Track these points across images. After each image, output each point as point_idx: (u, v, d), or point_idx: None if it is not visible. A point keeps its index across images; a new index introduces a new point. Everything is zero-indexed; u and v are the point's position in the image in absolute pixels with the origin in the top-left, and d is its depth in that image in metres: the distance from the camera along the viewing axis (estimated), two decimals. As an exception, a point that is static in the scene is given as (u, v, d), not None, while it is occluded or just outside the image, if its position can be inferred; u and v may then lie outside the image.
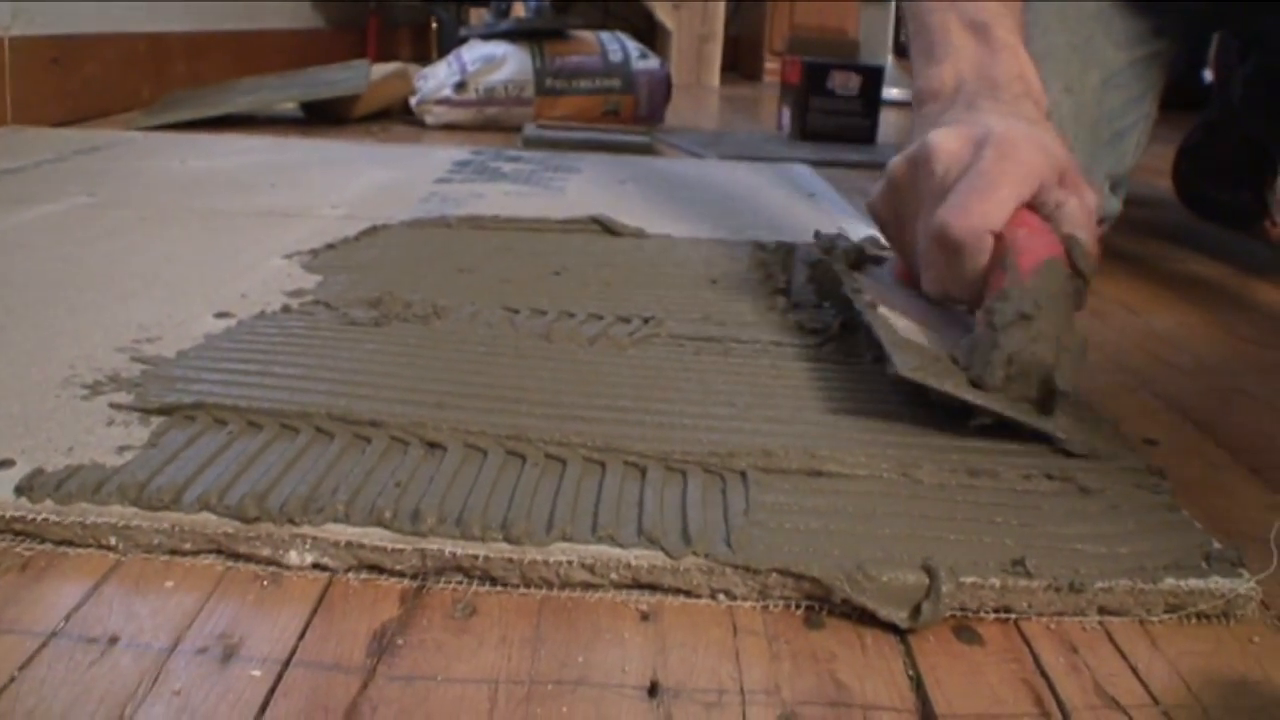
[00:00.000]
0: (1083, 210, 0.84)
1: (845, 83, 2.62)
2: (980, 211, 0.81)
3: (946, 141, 0.86)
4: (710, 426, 0.77)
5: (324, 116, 2.61)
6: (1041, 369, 0.76)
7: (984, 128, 0.86)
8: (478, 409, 0.77)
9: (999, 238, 0.81)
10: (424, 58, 4.27)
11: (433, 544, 0.60)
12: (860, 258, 1.06)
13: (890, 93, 2.96)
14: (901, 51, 4.14)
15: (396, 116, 2.74)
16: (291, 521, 0.61)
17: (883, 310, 0.89)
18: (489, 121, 2.65)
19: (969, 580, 0.60)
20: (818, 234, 1.17)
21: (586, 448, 0.72)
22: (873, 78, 2.65)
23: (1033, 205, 0.84)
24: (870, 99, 2.64)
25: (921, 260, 0.88)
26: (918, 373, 0.78)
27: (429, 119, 2.64)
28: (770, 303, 1.08)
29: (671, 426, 0.77)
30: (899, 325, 0.87)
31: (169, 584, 0.59)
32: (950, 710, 0.53)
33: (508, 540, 0.61)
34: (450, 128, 2.63)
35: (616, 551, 0.60)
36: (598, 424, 0.76)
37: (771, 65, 5.30)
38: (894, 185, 0.92)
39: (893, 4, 4.01)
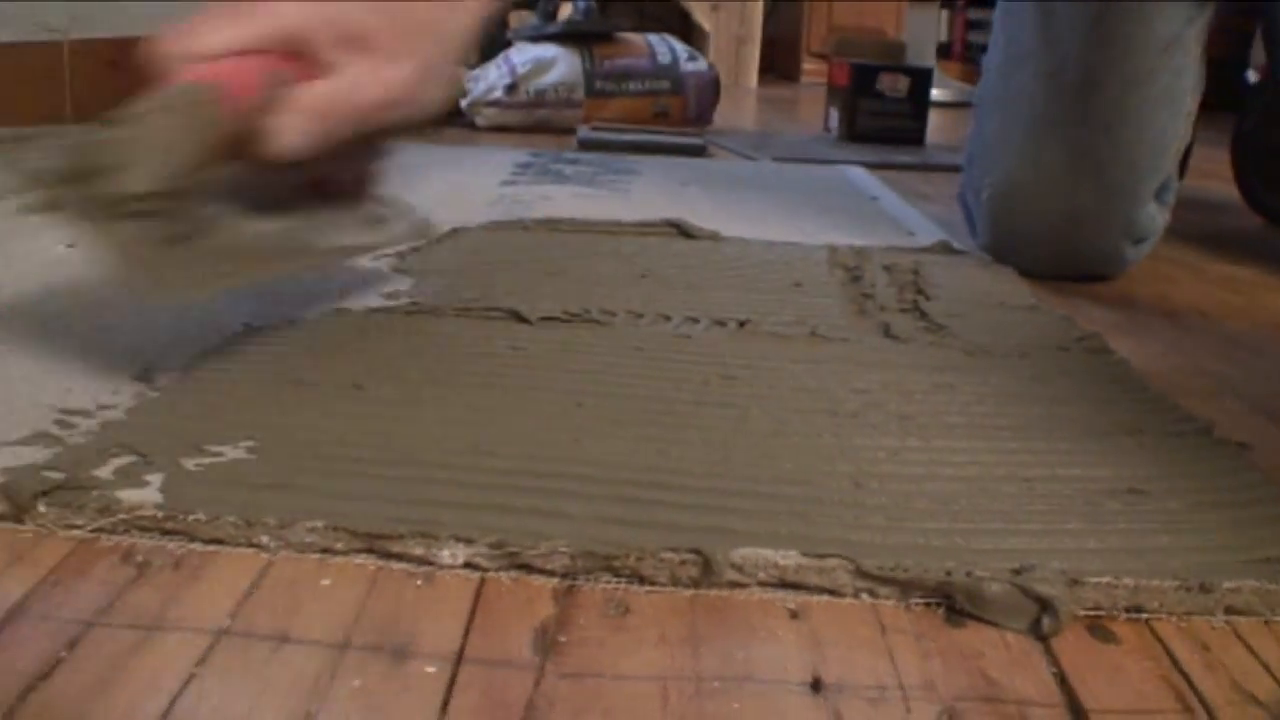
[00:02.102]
0: (365, 73, 0.80)
1: (894, 85, 2.62)
2: (181, 39, 0.79)
3: None
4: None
5: (374, 118, 2.60)
6: (105, 168, 0.70)
7: None
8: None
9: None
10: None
11: (585, 544, 0.61)
12: None
13: (937, 94, 2.95)
14: (942, 53, 4.14)
15: (445, 118, 2.74)
16: (444, 522, 0.62)
17: None
18: (539, 123, 2.66)
19: (1103, 580, 0.60)
20: None
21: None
22: (921, 79, 2.64)
23: (301, 56, 0.79)
24: (919, 101, 2.64)
25: None
26: None
27: (480, 120, 2.64)
28: (859, 305, 1.09)
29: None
30: None
31: (325, 582, 0.60)
32: (1098, 706, 0.53)
33: (657, 540, 0.61)
34: (501, 129, 2.64)
35: (765, 552, 0.61)
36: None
37: (809, 66, 5.30)
38: None
39: (939, 6, 4.02)
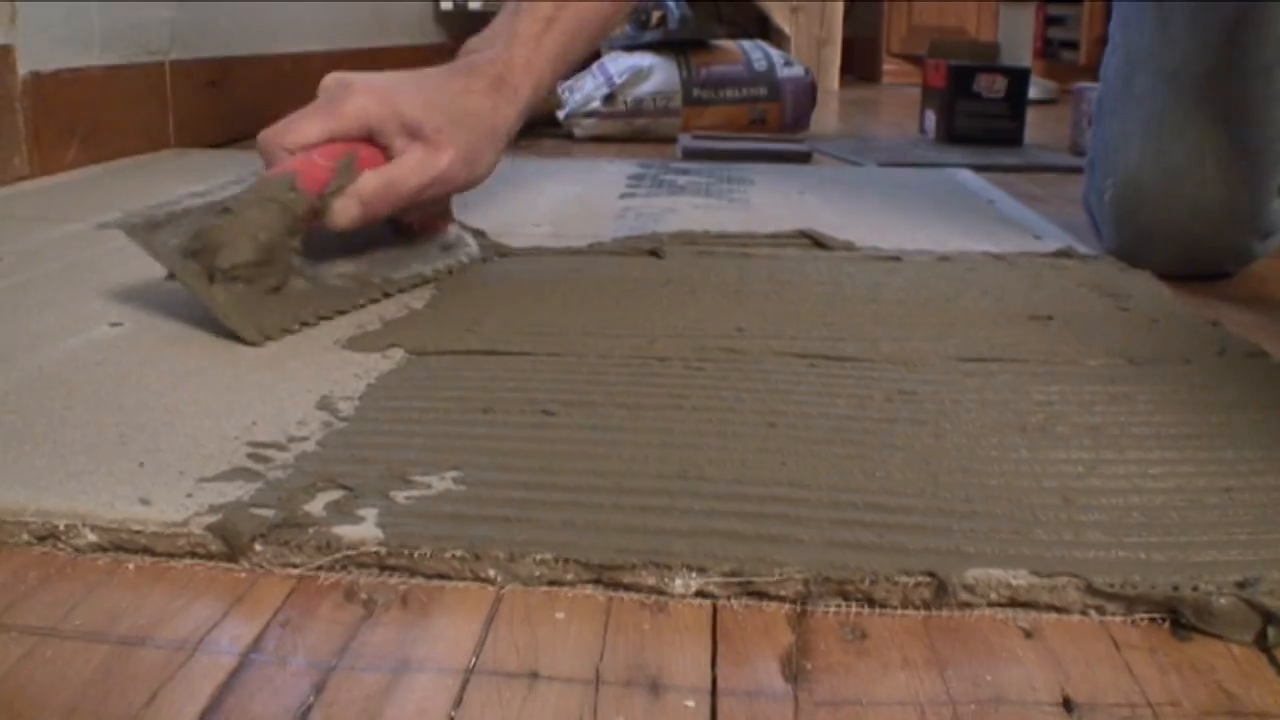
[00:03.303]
0: (414, 161, 1.07)
1: (991, 85, 2.60)
2: (284, 132, 1.05)
3: (328, 79, 1.10)
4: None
5: (472, 132, 2.61)
6: (213, 246, 0.95)
7: (356, 76, 1.09)
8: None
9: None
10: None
11: (819, 569, 0.61)
12: None
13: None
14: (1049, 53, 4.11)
15: (541, 130, 2.75)
16: (675, 551, 0.62)
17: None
18: (637, 133, 2.66)
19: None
20: None
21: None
22: (1019, 80, 2.62)
23: (375, 142, 1.07)
24: (1016, 101, 2.61)
25: None
26: (133, 233, 1.00)
27: (578, 131, 2.65)
28: (1017, 317, 1.08)
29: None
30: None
31: (560, 615, 0.60)
32: (1332, 717, 0.53)
33: (886, 563, 0.61)
34: (598, 140, 2.64)
35: (996, 572, 0.61)
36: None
37: (890, 67, 5.29)
38: None
39: (1034, 5, 3.99)
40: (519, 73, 1.17)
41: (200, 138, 2.35)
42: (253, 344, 0.95)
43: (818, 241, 1.38)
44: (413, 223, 1.20)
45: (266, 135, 1.05)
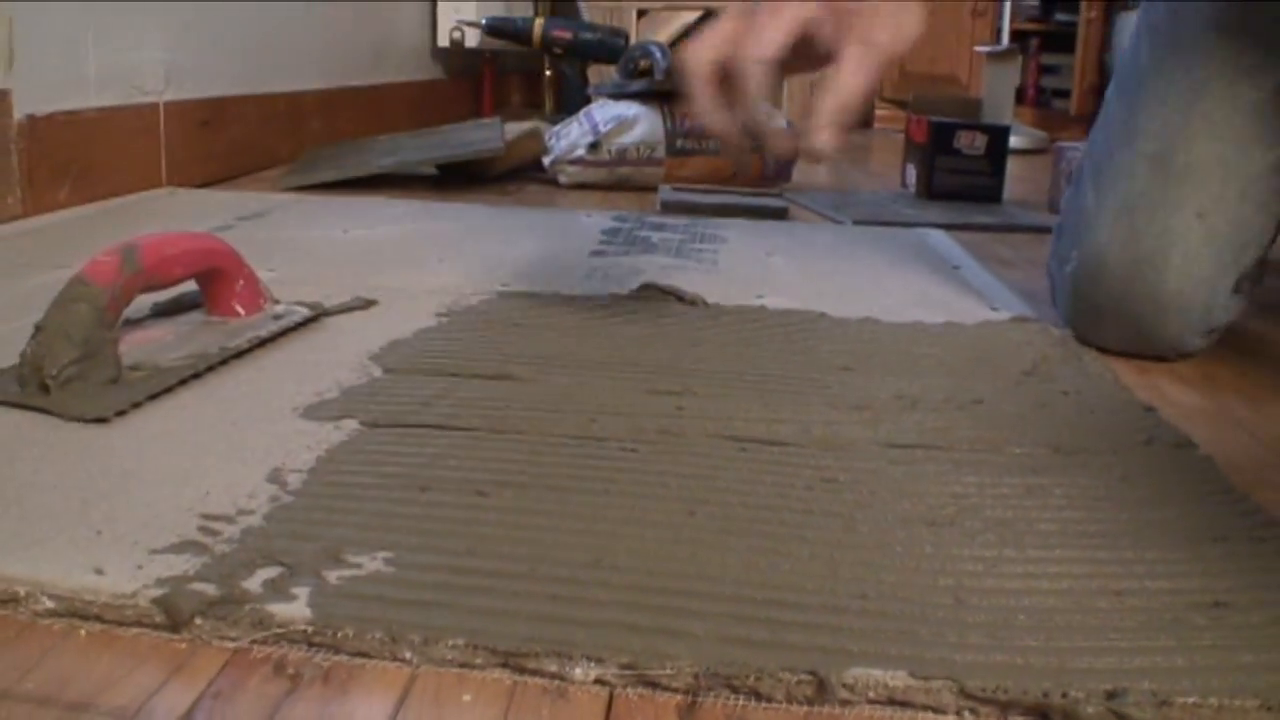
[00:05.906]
0: (855, 65, 1.01)
1: (971, 142, 2.64)
2: (745, 42, 1.00)
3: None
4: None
5: (459, 175, 2.67)
6: (36, 361, 1.01)
7: None
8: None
9: None
10: (534, 104, 4.33)
11: (708, 663, 0.65)
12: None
13: (1013, 140, 2.94)
14: (1015, 98, 4.11)
15: (527, 175, 2.79)
16: (576, 641, 0.66)
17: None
18: (620, 181, 2.69)
19: (1190, 700, 0.64)
20: None
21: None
22: (999, 137, 2.66)
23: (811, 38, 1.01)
24: (996, 158, 2.65)
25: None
26: None
27: (562, 178, 2.69)
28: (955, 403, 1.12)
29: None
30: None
31: (467, 698, 0.64)
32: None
33: (774, 660, 0.66)
34: (583, 187, 2.69)
35: (875, 672, 0.65)
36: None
37: (882, 112, 5.32)
38: None
39: (1018, 63, 4.03)
40: None
41: (192, 177, 2.39)
42: (100, 419, 0.98)
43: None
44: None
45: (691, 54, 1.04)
